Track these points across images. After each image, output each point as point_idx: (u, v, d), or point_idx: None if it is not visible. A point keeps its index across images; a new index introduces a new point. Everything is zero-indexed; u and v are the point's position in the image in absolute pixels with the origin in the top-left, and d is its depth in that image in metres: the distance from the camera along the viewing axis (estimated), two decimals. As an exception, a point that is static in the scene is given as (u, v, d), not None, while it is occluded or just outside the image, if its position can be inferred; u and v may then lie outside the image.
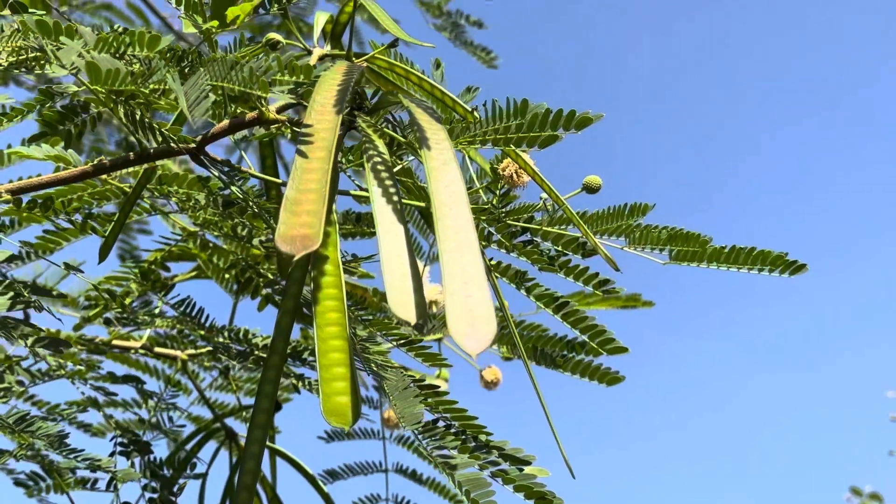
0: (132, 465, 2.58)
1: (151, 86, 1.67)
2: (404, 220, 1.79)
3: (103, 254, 2.23)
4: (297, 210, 1.62)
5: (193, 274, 2.92)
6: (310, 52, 2.24)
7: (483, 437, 2.10)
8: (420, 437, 2.04)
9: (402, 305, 1.69)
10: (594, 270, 2.35)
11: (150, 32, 1.65)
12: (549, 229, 2.30)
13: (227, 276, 2.79)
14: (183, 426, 2.90)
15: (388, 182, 1.85)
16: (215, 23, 1.79)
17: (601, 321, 2.44)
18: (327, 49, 2.31)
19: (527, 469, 2.05)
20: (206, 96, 1.55)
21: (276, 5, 2.05)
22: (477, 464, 2.00)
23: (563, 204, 2.16)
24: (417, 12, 4.83)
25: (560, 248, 2.35)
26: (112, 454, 2.56)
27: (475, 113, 2.09)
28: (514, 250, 2.36)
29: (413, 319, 1.69)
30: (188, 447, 2.91)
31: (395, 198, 1.82)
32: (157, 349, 2.89)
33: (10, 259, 1.99)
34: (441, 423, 2.09)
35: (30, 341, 1.86)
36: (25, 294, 1.86)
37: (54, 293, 1.88)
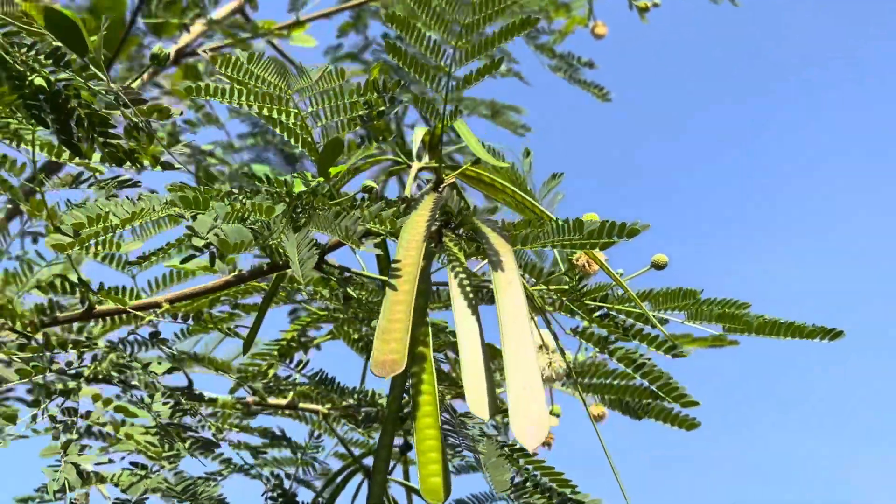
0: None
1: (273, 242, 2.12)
2: (481, 332, 2.20)
3: (247, 346, 2.69)
4: (386, 338, 2.05)
5: (329, 336, 3.36)
6: (409, 166, 2.66)
7: (567, 491, 2.50)
8: (511, 497, 2.46)
9: (479, 406, 2.11)
10: (663, 338, 2.72)
11: (267, 203, 2.08)
12: (621, 307, 2.68)
13: (355, 345, 3.22)
14: (325, 472, 3.32)
15: (470, 295, 2.26)
16: (321, 179, 2.23)
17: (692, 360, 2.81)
18: (425, 160, 2.72)
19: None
20: (314, 255, 1.99)
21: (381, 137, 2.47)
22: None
23: (627, 290, 2.54)
24: (533, 55, 5.20)
25: (633, 321, 2.73)
26: (264, 506, 3.00)
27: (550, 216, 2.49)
28: (594, 323, 2.75)
29: (487, 417, 2.11)
30: (327, 491, 3.33)
31: (474, 311, 2.23)
32: (302, 404, 3.34)
33: (171, 370, 2.44)
34: (529, 484, 2.50)
35: (187, 444, 2.30)
36: (183, 402, 2.32)
37: (214, 367, 2.32)
